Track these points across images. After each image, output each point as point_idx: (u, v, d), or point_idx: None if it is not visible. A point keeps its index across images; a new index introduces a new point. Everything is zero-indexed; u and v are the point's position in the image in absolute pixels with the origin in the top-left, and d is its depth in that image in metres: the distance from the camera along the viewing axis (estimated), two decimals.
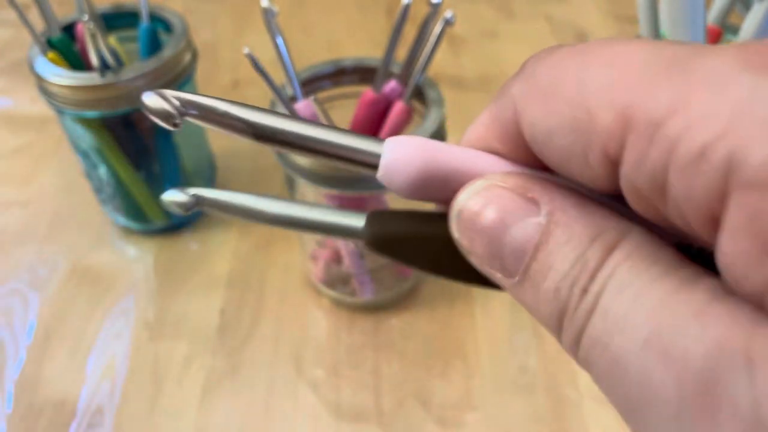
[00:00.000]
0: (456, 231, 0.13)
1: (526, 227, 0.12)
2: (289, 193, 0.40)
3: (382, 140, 0.14)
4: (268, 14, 0.33)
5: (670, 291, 0.10)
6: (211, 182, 0.49)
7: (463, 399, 0.37)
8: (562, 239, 0.12)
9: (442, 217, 0.14)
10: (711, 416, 0.09)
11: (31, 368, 0.39)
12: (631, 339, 0.10)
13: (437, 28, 0.33)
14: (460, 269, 0.14)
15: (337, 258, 0.40)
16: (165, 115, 0.13)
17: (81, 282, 0.44)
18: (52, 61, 0.38)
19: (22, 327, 0.41)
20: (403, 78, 0.36)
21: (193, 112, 0.14)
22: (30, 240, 0.46)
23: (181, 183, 0.45)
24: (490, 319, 0.41)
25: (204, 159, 0.48)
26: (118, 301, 0.42)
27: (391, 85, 0.36)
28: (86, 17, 0.36)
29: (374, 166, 0.14)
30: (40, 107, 0.56)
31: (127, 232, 0.47)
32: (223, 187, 0.49)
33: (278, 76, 0.35)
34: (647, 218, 0.11)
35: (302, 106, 0.35)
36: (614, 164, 0.11)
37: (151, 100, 0.13)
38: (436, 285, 0.43)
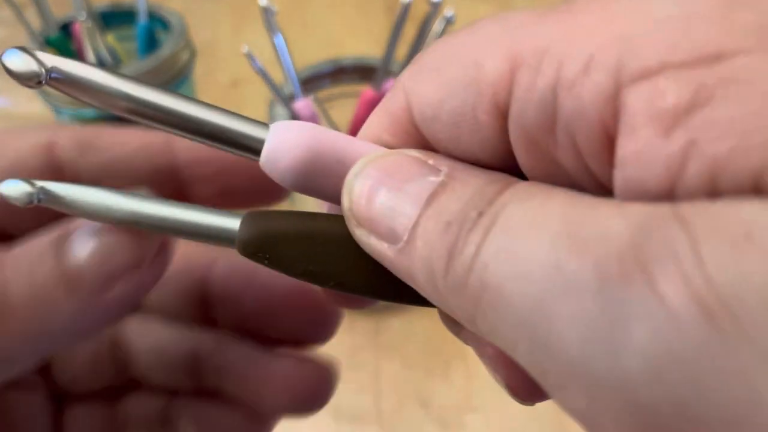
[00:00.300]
0: (347, 197, 0.12)
1: (423, 183, 0.11)
2: (288, 193, 0.40)
3: (268, 125, 0.13)
4: (267, 13, 0.33)
5: (575, 198, 0.10)
6: None
7: (464, 400, 0.37)
8: (458, 186, 0.11)
9: (333, 217, 0.13)
10: (645, 287, 0.08)
11: None
12: (536, 242, 0.09)
13: (438, 28, 0.33)
14: (360, 274, 0.13)
15: None
16: (28, 76, 0.12)
17: None
18: None
19: None
20: None
21: (58, 76, 0.13)
22: None
23: None
24: None
25: None
26: None
27: (392, 84, 0.36)
28: (84, 16, 0.36)
29: (260, 152, 0.13)
30: (38, 106, 0.56)
31: None
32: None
33: (277, 75, 0.35)
34: (539, 179, 0.11)
35: (302, 105, 0.35)
36: (504, 116, 0.11)
37: (14, 60, 0.12)
38: None
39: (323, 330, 0.20)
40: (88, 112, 0.38)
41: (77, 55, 0.41)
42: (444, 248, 0.11)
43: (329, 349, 0.40)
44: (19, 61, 0.12)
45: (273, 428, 0.19)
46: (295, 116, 0.35)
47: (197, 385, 0.18)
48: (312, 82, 0.38)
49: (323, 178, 0.13)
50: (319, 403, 0.19)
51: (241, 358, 0.18)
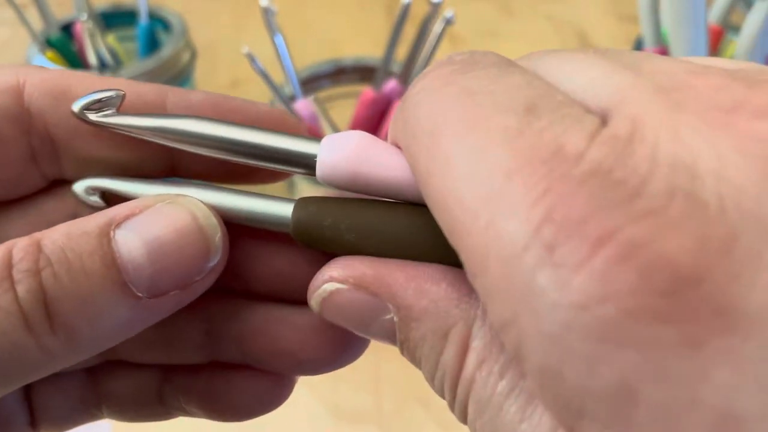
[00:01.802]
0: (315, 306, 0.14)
1: (383, 326, 0.13)
2: (289, 193, 0.40)
3: (316, 138, 0.14)
4: (267, 13, 0.33)
5: (511, 410, 0.11)
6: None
7: None
8: (418, 337, 0.12)
9: (384, 203, 0.14)
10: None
11: None
12: None
13: (438, 28, 0.33)
14: (417, 252, 0.13)
15: None
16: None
17: None
18: (51, 60, 0.38)
19: None
20: (404, 77, 0.36)
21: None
22: None
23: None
24: None
25: None
26: None
27: (392, 84, 0.36)
28: (85, 16, 0.36)
29: (311, 167, 0.14)
30: None
31: None
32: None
33: (278, 76, 0.35)
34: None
35: (301, 105, 0.35)
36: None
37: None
38: None
39: None
40: None
41: (78, 56, 0.41)
42: (436, 389, 0.13)
43: None
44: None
45: (292, 390, 0.19)
46: (295, 116, 0.35)
47: (210, 359, 0.17)
48: (312, 82, 0.38)
49: (370, 181, 0.13)
50: (353, 353, 0.18)
51: (264, 321, 0.17)
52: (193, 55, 0.42)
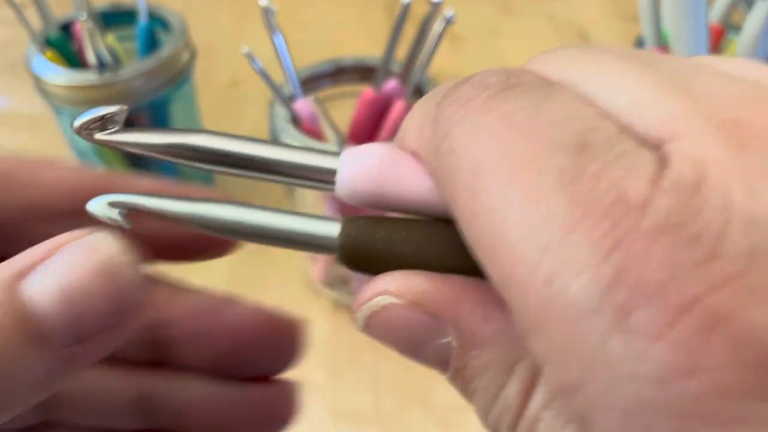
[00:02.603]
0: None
1: (437, 350, 0.12)
2: (289, 193, 0.40)
3: (334, 152, 0.13)
4: (267, 13, 0.33)
5: None
6: (209, 181, 0.48)
7: (464, 401, 0.37)
8: (478, 366, 0.11)
9: (436, 222, 0.13)
10: None
11: None
12: None
13: (438, 27, 0.33)
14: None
15: None
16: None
17: None
18: (51, 59, 0.38)
19: None
20: (404, 77, 0.36)
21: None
22: None
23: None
24: None
25: None
26: None
27: (392, 84, 0.36)
28: (84, 16, 0.36)
29: (328, 182, 0.13)
30: (38, 106, 0.56)
31: None
32: (223, 186, 0.49)
33: (277, 75, 0.35)
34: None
35: (301, 105, 0.35)
36: None
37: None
38: None
39: (289, 359, 0.20)
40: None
41: (77, 55, 0.41)
42: (490, 427, 0.12)
43: (330, 350, 0.40)
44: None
45: None
46: (295, 116, 0.35)
47: (147, 427, 0.17)
48: (312, 82, 0.38)
49: (396, 199, 0.13)
50: (288, 424, 0.18)
51: (201, 396, 0.16)
52: (193, 55, 0.41)
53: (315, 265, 0.41)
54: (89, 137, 0.13)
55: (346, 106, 0.38)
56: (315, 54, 0.44)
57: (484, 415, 0.12)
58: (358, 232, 0.12)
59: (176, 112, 0.42)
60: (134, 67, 0.38)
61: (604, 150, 0.09)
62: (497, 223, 0.09)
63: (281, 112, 0.35)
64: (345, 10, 0.68)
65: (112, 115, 0.13)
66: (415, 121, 0.13)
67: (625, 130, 0.10)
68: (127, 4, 0.43)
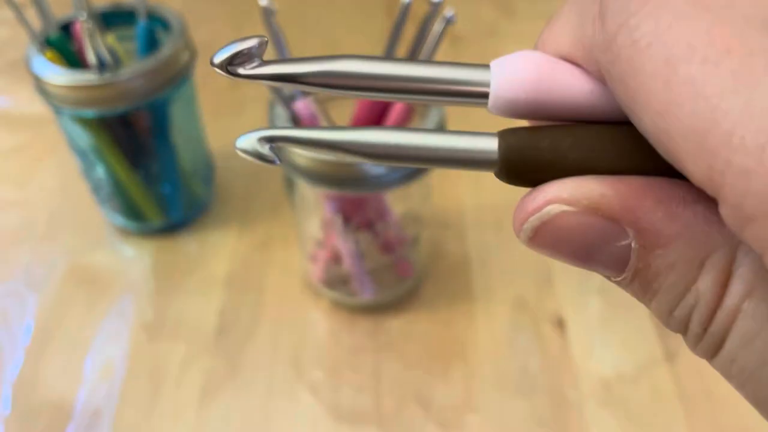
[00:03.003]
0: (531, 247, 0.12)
1: (612, 253, 0.11)
2: (288, 193, 0.40)
3: (479, 65, 0.13)
4: (267, 13, 0.33)
5: None
6: (209, 182, 0.48)
7: (464, 400, 0.37)
8: (664, 265, 0.11)
9: (593, 127, 0.12)
10: None
11: (28, 370, 0.39)
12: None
13: (438, 28, 0.33)
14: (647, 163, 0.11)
15: (336, 258, 0.40)
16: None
17: (79, 283, 0.43)
18: (51, 59, 0.38)
19: (19, 328, 0.41)
20: None
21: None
22: (27, 240, 0.46)
23: (178, 182, 0.45)
24: (490, 319, 0.41)
25: (202, 158, 0.48)
26: (116, 302, 0.42)
27: None
28: (84, 16, 0.36)
29: (481, 95, 0.12)
30: (38, 106, 0.56)
31: (125, 232, 0.47)
32: (223, 186, 0.49)
33: None
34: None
35: (301, 105, 0.35)
36: None
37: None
38: (436, 285, 0.43)
39: None
40: (88, 112, 0.38)
41: (77, 55, 0.40)
42: (675, 327, 0.11)
43: (330, 350, 0.40)
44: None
45: None
46: (295, 116, 0.35)
47: None
48: None
49: (555, 106, 0.12)
50: None
51: None
52: (193, 55, 0.41)
53: (315, 265, 0.41)
54: (233, 73, 0.13)
55: (346, 106, 0.38)
56: (315, 54, 0.44)
57: (668, 312, 0.11)
58: (520, 143, 0.12)
59: (176, 112, 0.42)
60: (134, 67, 0.37)
61: None
62: (706, 112, 0.09)
63: (281, 112, 0.35)
64: (345, 10, 0.68)
65: (251, 48, 0.12)
66: (566, 22, 0.12)
67: None
68: (127, 4, 0.43)
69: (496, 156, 0.12)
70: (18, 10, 0.37)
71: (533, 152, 0.12)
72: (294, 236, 0.45)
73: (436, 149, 0.12)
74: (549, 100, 0.12)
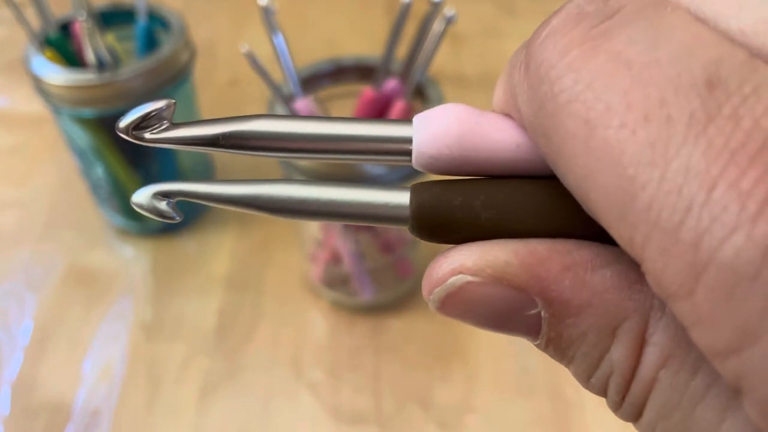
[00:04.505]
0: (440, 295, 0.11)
1: (524, 321, 0.11)
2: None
3: (402, 121, 0.12)
4: (267, 12, 0.32)
5: (708, 412, 0.09)
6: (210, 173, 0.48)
7: (464, 401, 0.37)
8: (575, 334, 0.10)
9: (514, 181, 0.11)
10: None
11: (27, 370, 0.39)
12: None
13: (438, 27, 0.33)
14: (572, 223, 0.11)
15: (336, 258, 0.40)
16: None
17: (78, 283, 0.43)
18: (50, 59, 0.38)
19: (18, 328, 0.41)
20: (404, 76, 0.36)
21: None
22: (26, 240, 0.46)
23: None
24: None
25: (201, 157, 0.47)
26: (115, 302, 0.42)
27: (392, 83, 0.36)
28: (83, 15, 0.36)
29: (404, 153, 0.12)
30: (37, 106, 0.56)
31: (124, 232, 0.46)
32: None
33: (277, 75, 0.35)
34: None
35: (301, 104, 0.35)
36: None
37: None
38: None
39: None
40: (87, 112, 0.38)
41: (76, 55, 0.40)
42: (595, 390, 0.11)
43: (330, 350, 0.40)
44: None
45: None
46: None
47: None
48: (312, 81, 0.38)
49: (480, 161, 0.12)
50: None
51: None
52: (193, 55, 0.41)
53: (315, 265, 0.41)
54: (138, 138, 0.12)
55: (346, 106, 0.38)
56: (315, 53, 0.44)
57: (585, 378, 0.11)
58: (432, 199, 0.11)
59: (176, 111, 0.42)
60: (133, 66, 0.37)
61: (738, 83, 0.08)
62: (624, 183, 0.08)
63: (281, 111, 0.35)
64: (345, 9, 0.68)
65: (159, 111, 0.12)
66: (505, 74, 0.12)
67: (757, 55, 0.08)
68: (127, 3, 0.43)
69: (407, 213, 0.11)
70: (17, 10, 0.37)
71: (445, 210, 0.11)
72: (293, 236, 0.45)
73: (346, 204, 0.12)
74: (473, 155, 0.11)
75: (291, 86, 0.35)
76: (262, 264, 0.44)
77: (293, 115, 0.12)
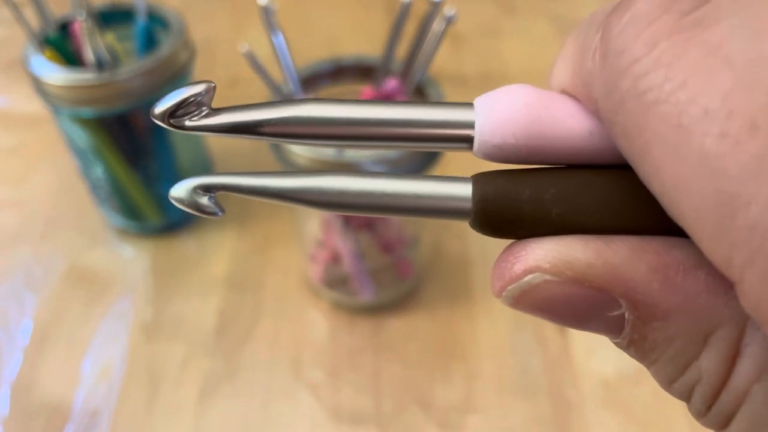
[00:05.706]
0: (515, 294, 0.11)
1: (606, 321, 0.10)
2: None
3: (464, 105, 0.11)
4: (266, 12, 0.32)
5: None
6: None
7: (464, 401, 0.37)
8: (662, 338, 0.10)
9: (579, 170, 0.11)
10: None
11: (27, 370, 0.39)
12: None
13: (438, 27, 0.33)
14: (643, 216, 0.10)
15: (336, 258, 0.40)
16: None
17: (77, 283, 0.43)
18: (49, 59, 0.38)
19: (17, 328, 0.41)
20: (404, 76, 0.36)
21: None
22: (25, 240, 0.46)
23: (177, 182, 0.45)
24: (491, 320, 0.40)
25: (201, 158, 0.47)
26: (115, 303, 0.42)
27: (392, 83, 0.36)
28: (83, 15, 0.36)
29: (464, 139, 0.11)
30: (36, 106, 0.56)
31: (124, 232, 0.46)
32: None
33: (277, 75, 0.35)
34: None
35: None
36: None
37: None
38: (436, 286, 0.42)
39: None
40: (86, 112, 0.38)
41: (76, 55, 0.40)
42: (678, 395, 0.10)
43: (330, 350, 0.40)
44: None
45: None
46: None
47: None
48: (312, 81, 0.38)
49: (549, 148, 0.11)
50: None
51: None
52: (192, 54, 0.41)
53: (315, 265, 0.41)
54: (177, 126, 0.11)
55: None
56: (315, 53, 0.44)
57: (667, 382, 0.10)
58: (497, 193, 0.10)
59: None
60: (133, 66, 0.37)
61: None
62: (724, 199, 0.08)
63: None
64: (345, 9, 0.68)
65: (197, 95, 0.11)
66: (568, 50, 0.11)
67: None
68: (126, 3, 0.43)
69: (469, 206, 0.11)
70: (16, 9, 0.37)
71: (512, 205, 0.10)
72: (294, 236, 0.45)
73: (400, 196, 0.11)
74: (542, 144, 0.10)
75: (291, 86, 0.35)
76: (262, 264, 0.44)
77: (343, 99, 0.11)
